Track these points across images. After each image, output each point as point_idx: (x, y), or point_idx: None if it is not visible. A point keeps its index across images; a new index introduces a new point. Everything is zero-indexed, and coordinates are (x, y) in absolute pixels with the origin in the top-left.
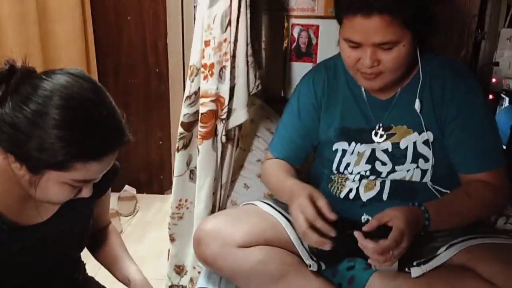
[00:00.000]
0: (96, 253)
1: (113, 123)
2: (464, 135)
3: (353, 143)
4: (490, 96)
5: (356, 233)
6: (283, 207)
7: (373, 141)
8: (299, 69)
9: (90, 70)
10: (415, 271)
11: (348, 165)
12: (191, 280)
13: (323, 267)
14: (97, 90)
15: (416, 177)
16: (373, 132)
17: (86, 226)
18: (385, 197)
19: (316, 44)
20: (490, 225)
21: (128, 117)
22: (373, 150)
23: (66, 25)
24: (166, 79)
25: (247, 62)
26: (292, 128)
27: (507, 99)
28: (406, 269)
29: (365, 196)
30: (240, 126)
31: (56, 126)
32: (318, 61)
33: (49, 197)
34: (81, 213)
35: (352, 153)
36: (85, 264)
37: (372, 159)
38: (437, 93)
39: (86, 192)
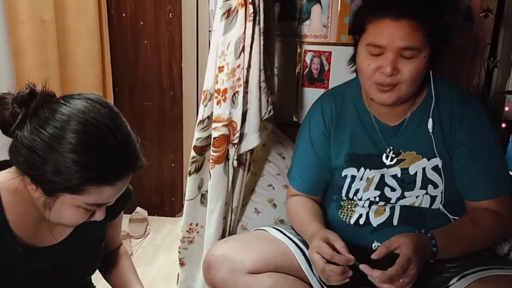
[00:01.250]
0: (106, 275)
1: (127, 148)
2: (471, 161)
3: (362, 169)
4: (503, 125)
5: (363, 267)
6: (294, 233)
7: (382, 166)
8: (311, 95)
9: (106, 91)
10: None
11: (357, 191)
12: None
13: None
14: (113, 115)
15: (426, 203)
16: (384, 156)
17: (98, 249)
18: (395, 222)
19: (328, 70)
20: (503, 256)
21: (143, 141)
22: (382, 176)
23: (84, 48)
24: (180, 102)
25: (260, 87)
26: (308, 159)
27: None
28: None
29: (375, 221)
30: (251, 151)
31: (72, 150)
32: (330, 87)
33: (63, 219)
34: (94, 235)
35: (361, 179)
36: (95, 287)
37: (381, 185)
38: (445, 117)
39: (99, 216)
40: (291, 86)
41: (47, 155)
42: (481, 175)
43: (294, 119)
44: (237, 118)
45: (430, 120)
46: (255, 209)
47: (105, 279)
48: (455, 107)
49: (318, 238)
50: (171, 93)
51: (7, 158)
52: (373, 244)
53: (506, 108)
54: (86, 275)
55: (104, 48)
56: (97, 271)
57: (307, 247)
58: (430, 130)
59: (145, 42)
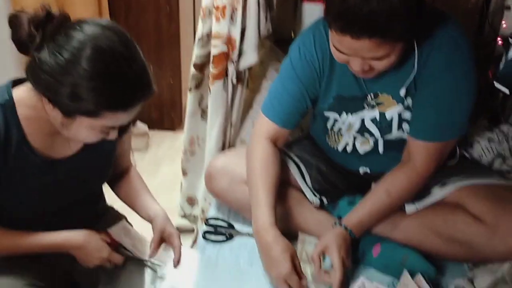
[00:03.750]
0: (119, 191)
1: (141, 75)
2: (426, 97)
3: (343, 114)
4: (500, 42)
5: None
6: (288, 146)
7: (362, 109)
8: (310, 10)
9: (101, 9)
10: (409, 208)
11: (340, 129)
12: (202, 210)
13: (325, 202)
14: (127, 43)
15: (405, 136)
16: (365, 102)
17: (109, 160)
18: (381, 150)
19: None
20: (487, 165)
21: (151, 65)
22: (363, 121)
23: None
24: (177, 18)
25: (259, 3)
26: (290, 92)
27: None
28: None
29: (362, 150)
30: (250, 68)
31: (88, 77)
32: None
33: (80, 138)
34: (106, 148)
35: (343, 123)
36: (104, 197)
37: (361, 130)
38: (425, 65)
39: (113, 135)
40: (290, 1)
41: (64, 79)
42: (427, 115)
43: (293, 35)
44: (236, 35)
45: (404, 89)
46: (253, 123)
47: (118, 196)
48: (437, 56)
49: (289, 268)
50: (168, 9)
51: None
52: (361, 169)
53: (504, 25)
54: (96, 185)
55: None
56: (110, 192)
57: (301, 160)
58: (402, 95)
59: None
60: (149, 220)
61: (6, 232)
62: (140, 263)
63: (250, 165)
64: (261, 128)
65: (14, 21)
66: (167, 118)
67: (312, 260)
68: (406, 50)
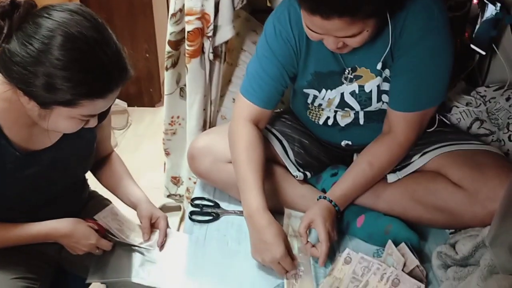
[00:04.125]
0: (101, 177)
1: (117, 61)
2: (404, 68)
3: (323, 90)
4: (474, 1)
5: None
6: (270, 122)
7: (341, 83)
8: None
9: None
10: (391, 177)
11: (320, 105)
12: (187, 189)
13: (309, 176)
14: (99, 28)
15: (385, 107)
16: (343, 77)
17: (91, 148)
18: (361, 122)
19: None
20: (465, 130)
21: (124, 47)
22: (342, 95)
23: None
24: None
25: None
26: (268, 72)
27: (489, 5)
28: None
29: (342, 122)
30: (226, 41)
31: (61, 67)
32: None
33: (60, 128)
34: (86, 135)
35: (323, 99)
36: (88, 185)
37: (341, 105)
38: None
39: (92, 123)
40: None
41: (38, 70)
42: (405, 86)
43: (268, 4)
44: (209, 10)
45: (380, 63)
46: (233, 99)
47: (101, 182)
48: (411, 25)
49: (283, 252)
50: None
51: None
52: (343, 142)
53: None
54: (79, 174)
55: None
56: (92, 176)
57: (283, 135)
58: (379, 68)
59: None
60: (132, 206)
61: None
62: (128, 247)
63: (234, 149)
64: (242, 110)
65: None
66: (146, 94)
67: (299, 234)
68: (380, 23)
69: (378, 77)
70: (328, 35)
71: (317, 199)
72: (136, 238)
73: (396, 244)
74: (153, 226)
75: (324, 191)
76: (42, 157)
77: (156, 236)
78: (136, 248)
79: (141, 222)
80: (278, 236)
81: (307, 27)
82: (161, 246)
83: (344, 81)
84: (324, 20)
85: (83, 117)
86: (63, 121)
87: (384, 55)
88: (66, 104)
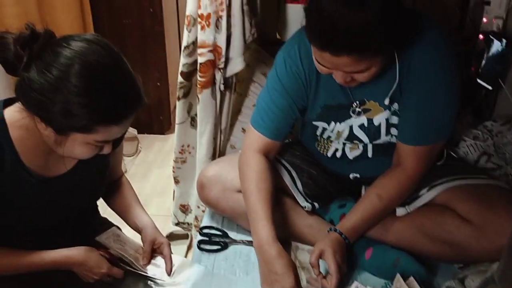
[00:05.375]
0: (110, 201)
1: (131, 88)
2: (412, 101)
3: (332, 123)
4: (481, 37)
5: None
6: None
7: (350, 116)
8: (294, 11)
9: (84, 11)
10: (400, 211)
11: (329, 137)
12: (196, 218)
13: (317, 207)
14: (114, 56)
15: (394, 140)
16: (352, 105)
17: (103, 175)
18: (370, 154)
19: None
20: (472, 163)
21: (139, 76)
22: (351, 128)
23: None
24: (161, 19)
25: (243, 10)
26: (277, 105)
27: (495, 41)
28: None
29: (351, 155)
30: (236, 73)
31: (78, 93)
32: None
33: (75, 155)
34: (99, 163)
35: (332, 131)
36: (98, 212)
37: (350, 137)
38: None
39: (107, 150)
40: (273, 3)
41: (55, 97)
42: (414, 120)
43: (278, 36)
44: (221, 43)
45: (388, 99)
46: (242, 128)
47: (109, 206)
48: (418, 61)
49: (293, 283)
50: (151, 10)
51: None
52: (351, 175)
53: (484, 20)
54: (92, 200)
55: None
56: (100, 202)
57: (292, 166)
58: (386, 103)
59: None
60: (137, 230)
61: (6, 252)
62: (138, 277)
63: (244, 180)
64: (252, 141)
65: None
66: (156, 122)
67: (311, 264)
68: (387, 60)
69: (387, 111)
70: (337, 70)
71: (327, 231)
72: (148, 268)
73: (405, 277)
74: (154, 252)
75: (332, 222)
76: (56, 184)
77: (164, 266)
78: (149, 278)
79: (143, 246)
80: (288, 267)
81: (317, 62)
82: (169, 273)
83: (352, 114)
84: (334, 56)
85: (98, 143)
86: (78, 147)
87: (392, 91)
88: (81, 130)
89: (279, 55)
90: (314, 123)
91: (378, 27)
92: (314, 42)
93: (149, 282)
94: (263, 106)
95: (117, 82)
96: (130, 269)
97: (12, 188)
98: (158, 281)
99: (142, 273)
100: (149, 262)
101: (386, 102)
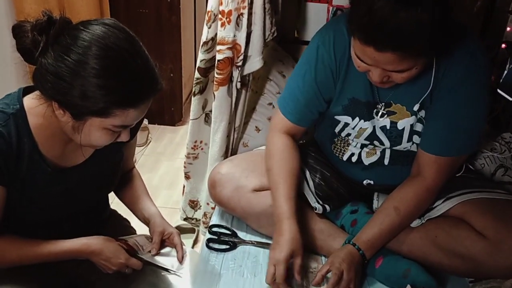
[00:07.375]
0: (119, 193)
1: (148, 71)
2: (439, 113)
3: (356, 119)
4: (503, 45)
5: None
6: None
7: (372, 117)
8: (314, 10)
9: (102, 2)
10: (415, 222)
11: (349, 134)
12: (205, 214)
13: (328, 209)
14: (132, 40)
15: (413, 148)
16: (375, 111)
17: (117, 166)
18: (386, 162)
19: None
20: (489, 176)
21: (157, 63)
22: (374, 128)
23: None
24: (178, 10)
25: (264, 8)
26: (305, 92)
27: None
28: None
29: (367, 161)
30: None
31: (96, 75)
32: (333, 2)
33: (92, 141)
34: (114, 154)
35: (354, 128)
36: (109, 202)
37: (371, 137)
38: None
39: (124, 137)
40: (294, 0)
41: (73, 80)
42: (441, 129)
43: (296, 35)
44: (241, 40)
45: (418, 105)
46: (256, 127)
47: (118, 197)
48: (454, 71)
49: (285, 253)
50: (168, 0)
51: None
52: (364, 181)
53: (508, 28)
54: (105, 192)
55: None
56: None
57: (306, 165)
58: (416, 110)
59: None
60: (145, 221)
61: (24, 242)
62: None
63: (269, 158)
64: (278, 122)
65: (17, 31)
66: (167, 113)
67: (318, 277)
68: (427, 64)
69: (413, 116)
70: (376, 67)
71: (343, 245)
72: (165, 261)
73: None
74: (164, 242)
75: (343, 227)
76: (71, 174)
77: (186, 261)
78: (170, 272)
79: (151, 237)
80: (289, 243)
81: (356, 57)
82: (182, 261)
83: (375, 116)
84: (377, 52)
85: (115, 128)
86: (95, 132)
87: (424, 97)
88: (99, 114)
89: (314, 40)
90: (337, 117)
91: (428, 28)
92: (358, 35)
93: (162, 272)
94: (290, 90)
95: (134, 65)
96: (149, 261)
97: (28, 176)
98: (176, 273)
99: (164, 267)
100: (158, 252)
101: (416, 108)
